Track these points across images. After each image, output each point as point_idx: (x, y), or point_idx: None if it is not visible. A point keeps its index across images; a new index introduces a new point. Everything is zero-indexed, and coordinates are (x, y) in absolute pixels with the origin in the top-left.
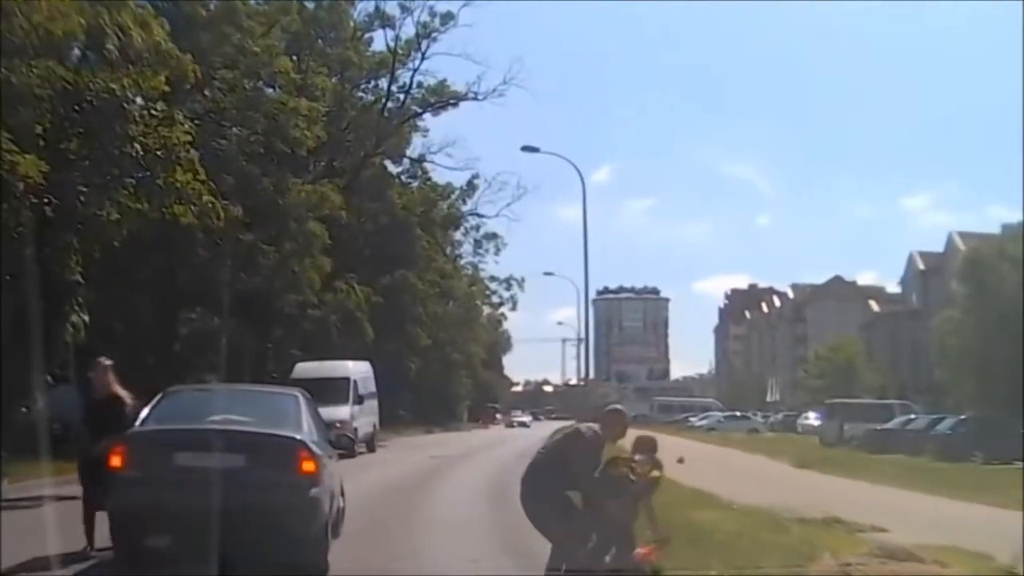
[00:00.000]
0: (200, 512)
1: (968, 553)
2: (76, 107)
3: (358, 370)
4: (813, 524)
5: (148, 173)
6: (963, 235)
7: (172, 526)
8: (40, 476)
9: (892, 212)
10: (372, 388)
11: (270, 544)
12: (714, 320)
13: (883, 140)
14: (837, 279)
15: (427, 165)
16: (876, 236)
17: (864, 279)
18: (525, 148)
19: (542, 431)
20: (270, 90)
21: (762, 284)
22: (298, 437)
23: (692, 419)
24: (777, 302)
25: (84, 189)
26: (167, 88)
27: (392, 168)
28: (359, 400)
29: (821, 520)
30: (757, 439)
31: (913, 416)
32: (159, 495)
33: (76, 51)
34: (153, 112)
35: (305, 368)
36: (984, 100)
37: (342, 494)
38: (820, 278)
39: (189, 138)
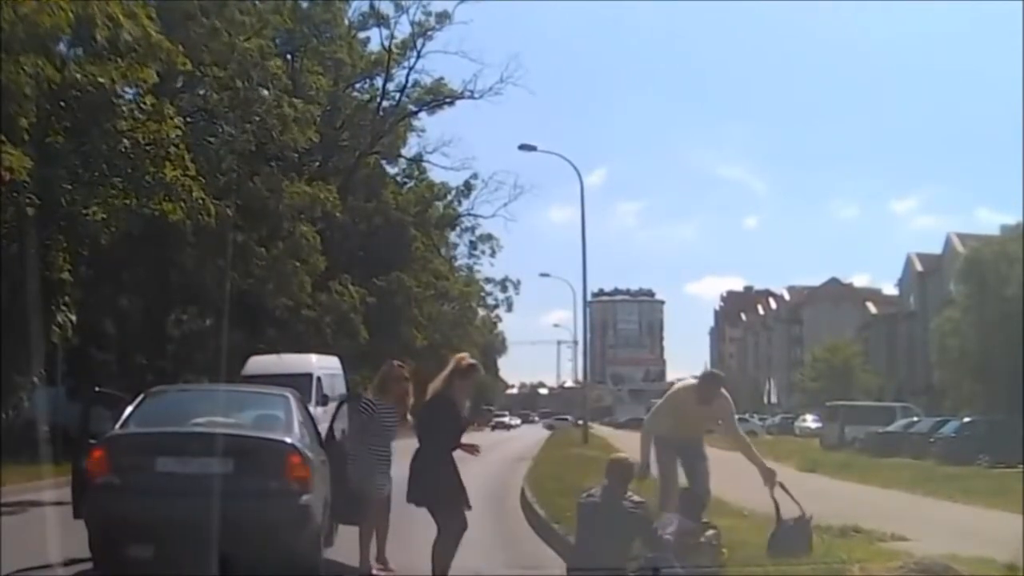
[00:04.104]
0: (183, 521)
1: (1003, 565)
2: (63, 101)
3: (324, 366)
4: (831, 533)
5: (136, 169)
6: (961, 236)
7: (153, 535)
8: (30, 480)
9: (881, 215)
10: (340, 387)
11: (258, 554)
12: (709, 322)
13: (871, 143)
14: (833, 281)
15: (424, 165)
16: (866, 239)
17: (856, 282)
18: (523, 147)
19: (536, 434)
20: (263, 90)
21: (757, 286)
22: (288, 440)
23: None
24: (773, 304)
25: (69, 186)
26: (157, 78)
27: (389, 168)
28: (323, 401)
29: (839, 528)
30: (757, 442)
31: (916, 419)
32: (139, 502)
33: (63, 44)
34: (142, 106)
35: (259, 363)
36: (971, 105)
37: None
38: (812, 280)
39: (179, 132)
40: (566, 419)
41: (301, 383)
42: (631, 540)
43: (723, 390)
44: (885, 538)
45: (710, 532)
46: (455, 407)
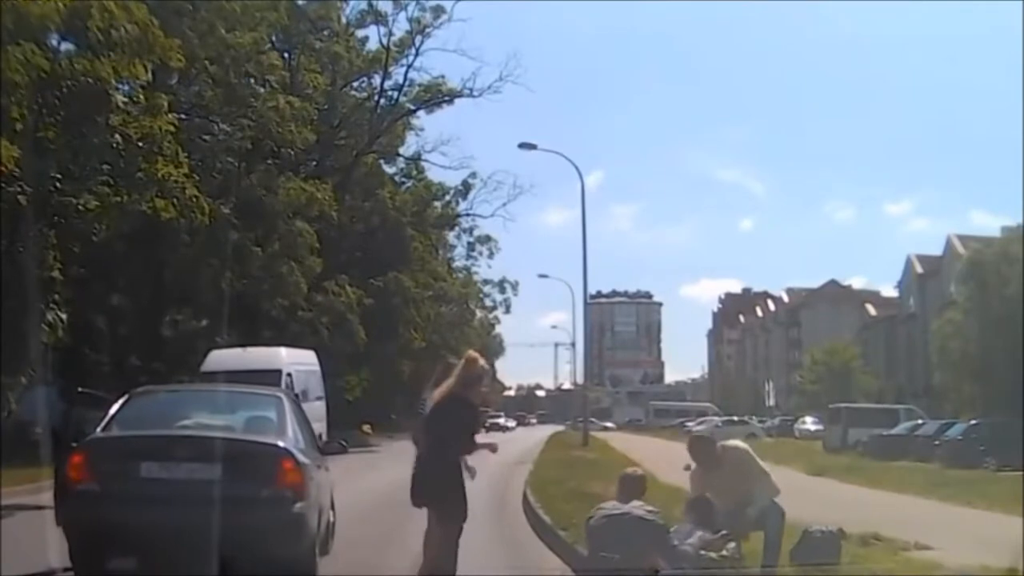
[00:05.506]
0: (169, 530)
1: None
2: (56, 94)
3: (296, 361)
4: (852, 541)
5: (128, 165)
6: (962, 238)
7: (137, 545)
8: (22, 483)
9: (877, 217)
10: (317, 386)
11: (249, 565)
12: (706, 324)
13: (867, 145)
14: (832, 283)
15: (422, 164)
16: (863, 241)
17: (855, 284)
18: (522, 145)
19: (534, 435)
20: (258, 87)
21: (755, 288)
22: (281, 444)
23: (689, 424)
24: (771, 306)
25: (59, 176)
26: (150, 76)
27: (387, 167)
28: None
29: (859, 536)
30: (758, 444)
31: (920, 421)
32: (122, 510)
33: (55, 37)
34: (136, 100)
35: (220, 358)
36: (966, 108)
37: (332, 507)
38: (811, 282)
39: (172, 128)
40: (500, 424)
41: (268, 380)
42: (646, 549)
43: (728, 443)
44: (908, 547)
45: (731, 545)
46: (463, 409)
